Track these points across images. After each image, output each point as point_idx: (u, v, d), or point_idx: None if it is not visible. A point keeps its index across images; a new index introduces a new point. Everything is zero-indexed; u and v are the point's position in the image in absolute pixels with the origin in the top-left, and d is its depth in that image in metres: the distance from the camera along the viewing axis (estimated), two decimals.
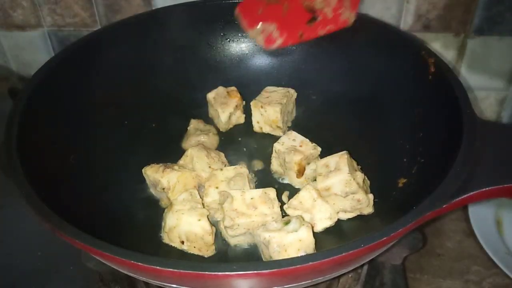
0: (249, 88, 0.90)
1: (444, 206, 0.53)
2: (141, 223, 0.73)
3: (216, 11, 0.90)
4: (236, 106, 0.87)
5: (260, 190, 0.69)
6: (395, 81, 0.79)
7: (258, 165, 0.82)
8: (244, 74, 0.93)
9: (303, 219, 0.66)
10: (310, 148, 0.77)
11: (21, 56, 1.09)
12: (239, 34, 0.92)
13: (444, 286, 0.80)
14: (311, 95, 0.90)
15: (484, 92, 1.00)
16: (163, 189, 0.74)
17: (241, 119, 0.89)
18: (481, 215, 0.86)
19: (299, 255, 0.59)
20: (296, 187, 0.78)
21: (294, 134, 0.79)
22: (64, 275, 0.74)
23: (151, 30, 0.87)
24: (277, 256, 0.62)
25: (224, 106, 0.86)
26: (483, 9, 0.90)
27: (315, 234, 0.65)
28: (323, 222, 0.70)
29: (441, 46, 0.95)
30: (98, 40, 0.83)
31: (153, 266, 0.48)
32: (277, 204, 0.68)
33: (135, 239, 0.70)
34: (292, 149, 0.76)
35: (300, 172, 0.76)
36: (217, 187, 0.71)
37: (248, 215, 0.66)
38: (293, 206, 0.70)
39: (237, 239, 0.69)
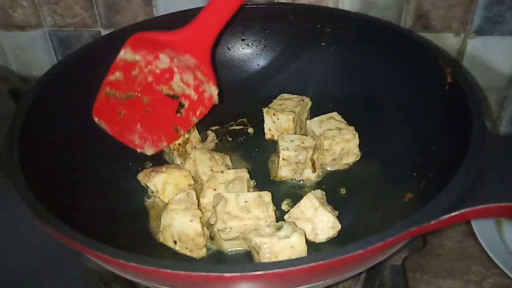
0: (265, 94, 0.90)
1: (432, 222, 0.50)
2: (141, 224, 0.73)
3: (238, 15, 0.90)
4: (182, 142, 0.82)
5: (254, 194, 0.68)
6: (412, 91, 0.78)
7: (264, 170, 0.81)
8: (261, 80, 0.93)
9: (296, 225, 0.64)
10: (310, 140, 0.78)
11: (21, 56, 1.10)
12: (260, 40, 0.93)
13: (444, 286, 0.80)
14: (328, 103, 0.88)
15: (484, 92, 1.00)
16: (152, 193, 0.74)
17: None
18: None
19: None
20: (314, 179, 0.78)
21: (286, 136, 0.79)
22: (64, 275, 0.74)
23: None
24: None
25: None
26: (483, 9, 0.90)
27: (317, 244, 0.65)
28: (325, 232, 0.68)
29: (441, 46, 0.95)
30: (115, 40, 0.82)
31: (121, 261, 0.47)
32: (271, 207, 0.67)
33: (135, 241, 0.70)
34: (301, 149, 0.77)
35: (314, 166, 0.78)
36: (215, 189, 0.71)
37: (241, 218, 0.65)
38: (294, 216, 0.69)
39: (230, 243, 0.68)
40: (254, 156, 0.84)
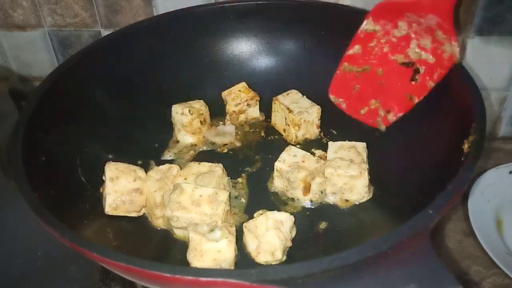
0: (266, 91, 0.90)
1: None
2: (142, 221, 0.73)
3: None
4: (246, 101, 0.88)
5: (212, 190, 0.68)
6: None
7: (267, 175, 0.80)
8: (251, 74, 0.93)
9: (229, 232, 0.63)
10: (313, 162, 0.74)
11: (21, 56, 1.09)
12: (250, 35, 0.94)
13: None
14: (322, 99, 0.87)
15: (484, 92, 1.00)
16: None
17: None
18: (481, 215, 0.86)
19: (213, 266, 0.60)
20: (304, 203, 0.74)
21: (294, 149, 0.76)
22: (64, 275, 0.74)
23: (173, 30, 0.90)
24: (192, 259, 0.62)
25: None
26: (483, 9, 0.89)
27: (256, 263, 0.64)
28: (266, 255, 0.65)
29: None
30: (117, 40, 0.86)
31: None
32: (222, 207, 0.66)
33: (134, 239, 0.70)
34: (296, 167, 0.73)
35: (307, 189, 0.74)
36: (185, 178, 0.71)
37: (189, 210, 0.66)
38: (249, 227, 0.67)
39: (180, 231, 0.69)
40: (271, 157, 0.81)
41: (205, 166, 0.73)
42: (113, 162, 0.72)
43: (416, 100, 0.74)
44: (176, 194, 0.67)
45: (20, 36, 1.06)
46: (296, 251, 0.67)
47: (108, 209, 0.70)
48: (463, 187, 0.53)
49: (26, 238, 0.78)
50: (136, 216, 0.72)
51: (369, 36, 0.77)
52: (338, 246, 0.68)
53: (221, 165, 0.74)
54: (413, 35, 0.74)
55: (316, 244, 0.69)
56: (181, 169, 0.74)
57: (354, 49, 0.78)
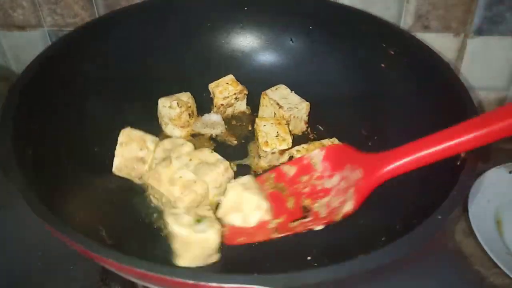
0: (251, 84, 0.89)
1: None
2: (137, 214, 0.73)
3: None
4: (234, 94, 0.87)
5: (193, 177, 0.69)
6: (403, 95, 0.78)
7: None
8: (237, 67, 0.92)
9: (213, 219, 0.65)
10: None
11: (21, 56, 1.09)
12: (237, 27, 0.93)
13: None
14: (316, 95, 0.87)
15: (484, 92, 1.00)
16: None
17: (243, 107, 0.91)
18: (481, 215, 0.86)
19: (199, 255, 0.62)
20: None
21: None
22: (64, 275, 0.74)
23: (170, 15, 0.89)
24: (180, 252, 0.63)
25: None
26: (483, 9, 0.90)
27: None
28: (254, 214, 0.68)
29: (441, 46, 0.95)
30: (104, 26, 0.85)
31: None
32: (192, 197, 0.67)
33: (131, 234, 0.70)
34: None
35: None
36: (190, 160, 0.72)
37: (161, 185, 0.68)
38: (224, 210, 0.68)
39: (156, 200, 0.71)
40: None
41: (214, 157, 0.73)
42: (130, 129, 0.76)
43: (274, 236, 0.68)
44: (162, 166, 0.69)
45: (20, 36, 1.06)
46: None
47: (115, 170, 0.75)
48: (466, 192, 0.55)
49: (26, 238, 0.78)
50: (139, 182, 0.76)
51: (308, 169, 0.73)
52: (340, 248, 0.66)
53: (227, 163, 0.74)
54: (333, 193, 0.69)
55: (317, 245, 0.68)
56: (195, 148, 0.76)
57: (289, 168, 0.74)
